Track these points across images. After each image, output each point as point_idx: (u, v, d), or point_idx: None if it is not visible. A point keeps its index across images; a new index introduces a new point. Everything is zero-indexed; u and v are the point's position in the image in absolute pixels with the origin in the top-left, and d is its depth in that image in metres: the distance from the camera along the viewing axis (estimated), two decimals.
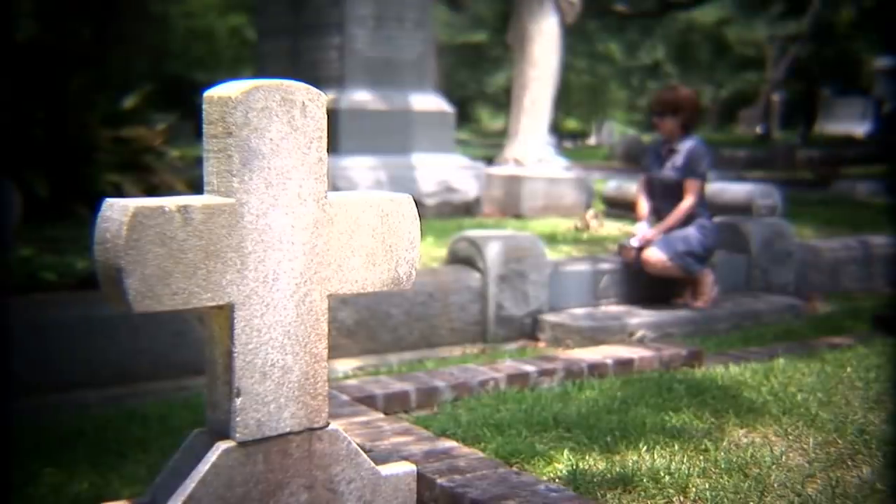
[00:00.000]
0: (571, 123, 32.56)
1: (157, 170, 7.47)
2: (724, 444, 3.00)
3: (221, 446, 1.87)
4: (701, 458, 2.86)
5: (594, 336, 5.04)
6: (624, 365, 4.00)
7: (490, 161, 9.86)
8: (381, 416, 3.30)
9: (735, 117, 30.68)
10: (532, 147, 9.33)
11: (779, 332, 5.32)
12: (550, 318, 5.26)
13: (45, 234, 5.77)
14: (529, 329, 5.29)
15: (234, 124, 1.84)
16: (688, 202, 5.54)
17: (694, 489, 2.61)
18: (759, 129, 25.53)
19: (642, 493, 2.60)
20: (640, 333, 5.19)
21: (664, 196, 5.67)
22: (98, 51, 11.38)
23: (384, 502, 2.09)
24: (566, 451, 2.91)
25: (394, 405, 3.51)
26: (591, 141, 28.72)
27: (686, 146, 5.60)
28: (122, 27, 12.79)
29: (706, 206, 5.75)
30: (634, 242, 5.58)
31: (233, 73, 21.98)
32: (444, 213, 8.12)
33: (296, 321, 1.95)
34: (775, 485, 2.64)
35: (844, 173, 14.49)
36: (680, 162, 5.59)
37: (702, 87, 34.58)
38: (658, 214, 5.73)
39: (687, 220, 5.60)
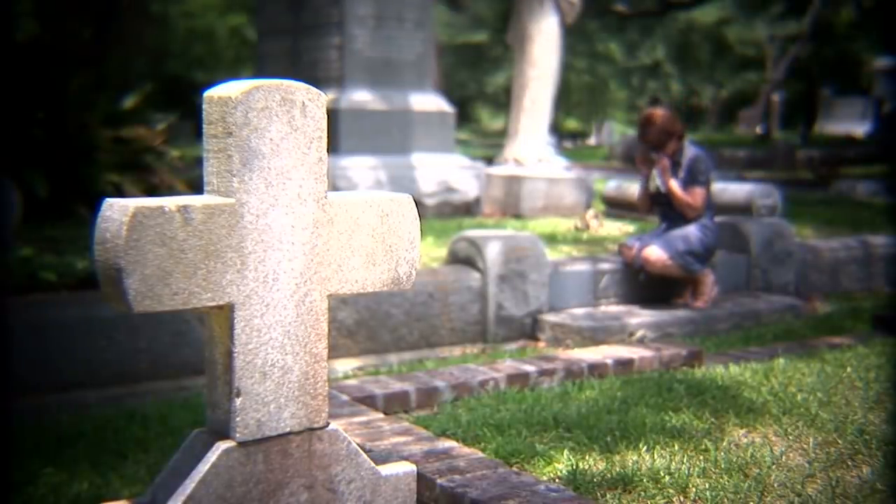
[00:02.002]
0: (571, 123, 32.60)
1: (157, 170, 7.48)
2: (724, 444, 3.00)
3: (221, 446, 1.87)
4: (701, 458, 2.86)
5: (594, 336, 5.04)
6: (624, 365, 4.00)
7: (490, 161, 9.87)
8: (381, 416, 3.30)
9: (735, 117, 30.69)
10: (532, 147, 9.33)
11: (779, 332, 5.32)
12: (550, 318, 5.26)
13: (45, 234, 5.77)
14: (529, 329, 5.29)
15: (234, 124, 1.84)
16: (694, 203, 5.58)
17: (694, 489, 2.61)
18: (759, 129, 25.53)
19: (642, 493, 2.60)
20: (640, 333, 5.19)
21: (670, 205, 5.67)
22: (98, 51, 11.38)
23: (384, 502, 2.09)
24: (566, 451, 2.91)
25: (394, 405, 3.51)
26: (591, 141, 28.73)
27: (688, 157, 5.59)
28: (122, 27, 12.78)
29: (711, 206, 5.75)
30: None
31: (233, 73, 22.01)
32: (444, 213, 8.12)
33: (296, 321, 1.95)
34: (775, 485, 2.64)
35: (844, 173, 14.50)
36: (683, 173, 5.59)
37: (702, 87, 34.63)
38: (664, 223, 5.73)
39: (689, 220, 5.61)
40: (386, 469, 2.11)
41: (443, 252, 5.67)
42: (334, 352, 4.53)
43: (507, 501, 2.45)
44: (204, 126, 1.87)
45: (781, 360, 4.07)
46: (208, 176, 1.88)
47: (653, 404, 3.40)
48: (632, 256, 5.59)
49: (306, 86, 1.94)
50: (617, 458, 2.87)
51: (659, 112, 5.70)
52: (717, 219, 5.92)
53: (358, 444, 2.11)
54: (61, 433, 3.50)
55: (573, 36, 17.06)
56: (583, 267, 5.65)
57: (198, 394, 3.92)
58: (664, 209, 5.74)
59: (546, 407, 3.39)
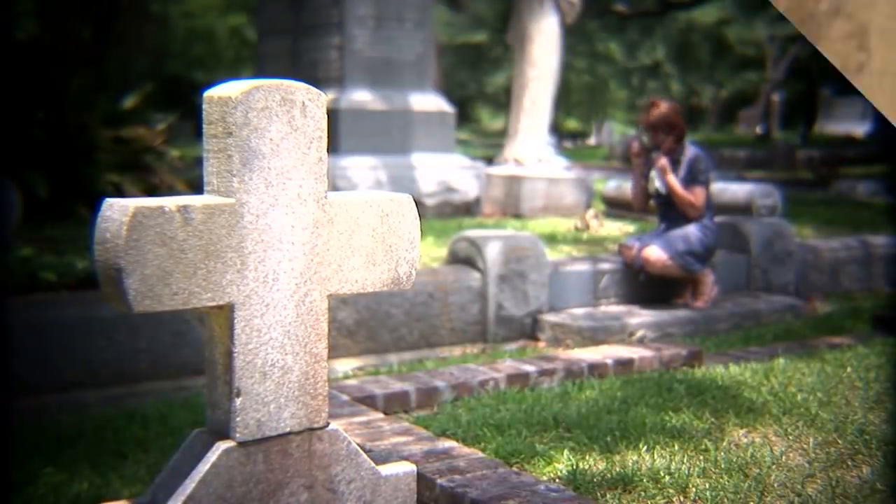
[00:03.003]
0: (571, 123, 32.60)
1: (157, 170, 7.48)
2: (724, 444, 3.00)
3: (221, 446, 1.87)
4: (701, 458, 2.86)
5: (594, 336, 5.04)
6: (624, 365, 4.00)
7: (490, 161, 9.87)
8: (381, 416, 3.30)
9: (735, 117, 30.70)
10: (532, 147, 9.34)
11: (779, 332, 5.32)
12: (550, 318, 5.26)
13: (45, 234, 5.77)
14: (529, 329, 5.29)
15: (234, 124, 1.84)
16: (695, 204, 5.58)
17: (694, 489, 2.61)
18: (759, 130, 25.54)
19: (642, 493, 2.60)
20: (640, 333, 5.19)
21: (670, 205, 5.67)
22: (98, 51, 11.38)
23: (384, 502, 2.09)
24: (566, 451, 2.91)
25: (394, 405, 3.51)
26: (591, 141, 28.73)
27: (688, 156, 5.60)
28: (122, 27, 12.78)
29: (711, 206, 5.75)
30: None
31: (233, 73, 22.00)
32: (444, 213, 8.12)
33: (296, 321, 1.95)
34: (775, 485, 2.64)
35: (844, 173, 14.51)
36: (683, 173, 5.59)
37: (702, 87, 34.60)
38: (663, 223, 5.73)
39: (689, 220, 5.61)
40: (386, 469, 2.11)
41: (443, 252, 5.67)
42: (334, 352, 4.53)
43: (507, 501, 2.45)
44: (204, 126, 1.87)
45: (781, 360, 4.07)
46: (208, 176, 1.88)
47: (653, 404, 3.40)
48: (632, 256, 5.59)
49: (306, 86, 1.94)
50: (617, 458, 2.87)
51: (665, 102, 5.75)
52: (717, 219, 5.92)
53: (358, 444, 2.11)
54: (61, 433, 3.50)
55: (573, 36, 17.06)
56: (583, 267, 5.65)
57: (198, 394, 3.92)
58: (664, 209, 5.74)
59: (546, 407, 3.39)
